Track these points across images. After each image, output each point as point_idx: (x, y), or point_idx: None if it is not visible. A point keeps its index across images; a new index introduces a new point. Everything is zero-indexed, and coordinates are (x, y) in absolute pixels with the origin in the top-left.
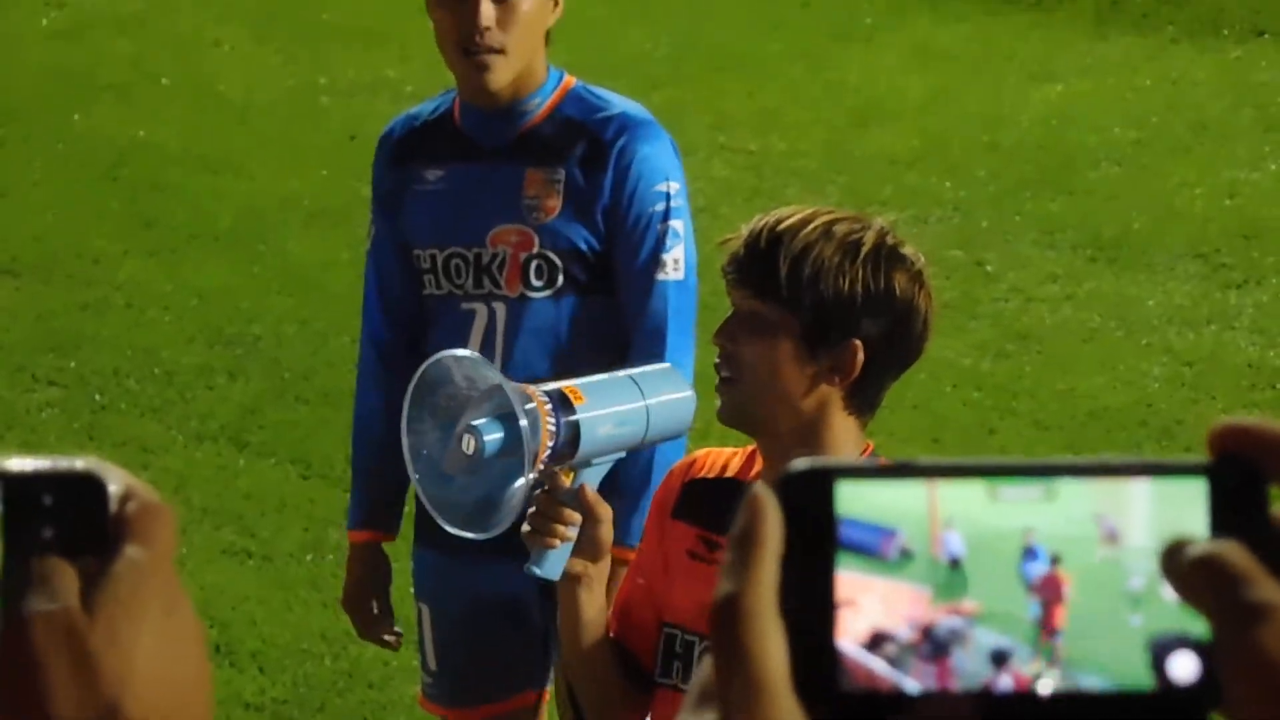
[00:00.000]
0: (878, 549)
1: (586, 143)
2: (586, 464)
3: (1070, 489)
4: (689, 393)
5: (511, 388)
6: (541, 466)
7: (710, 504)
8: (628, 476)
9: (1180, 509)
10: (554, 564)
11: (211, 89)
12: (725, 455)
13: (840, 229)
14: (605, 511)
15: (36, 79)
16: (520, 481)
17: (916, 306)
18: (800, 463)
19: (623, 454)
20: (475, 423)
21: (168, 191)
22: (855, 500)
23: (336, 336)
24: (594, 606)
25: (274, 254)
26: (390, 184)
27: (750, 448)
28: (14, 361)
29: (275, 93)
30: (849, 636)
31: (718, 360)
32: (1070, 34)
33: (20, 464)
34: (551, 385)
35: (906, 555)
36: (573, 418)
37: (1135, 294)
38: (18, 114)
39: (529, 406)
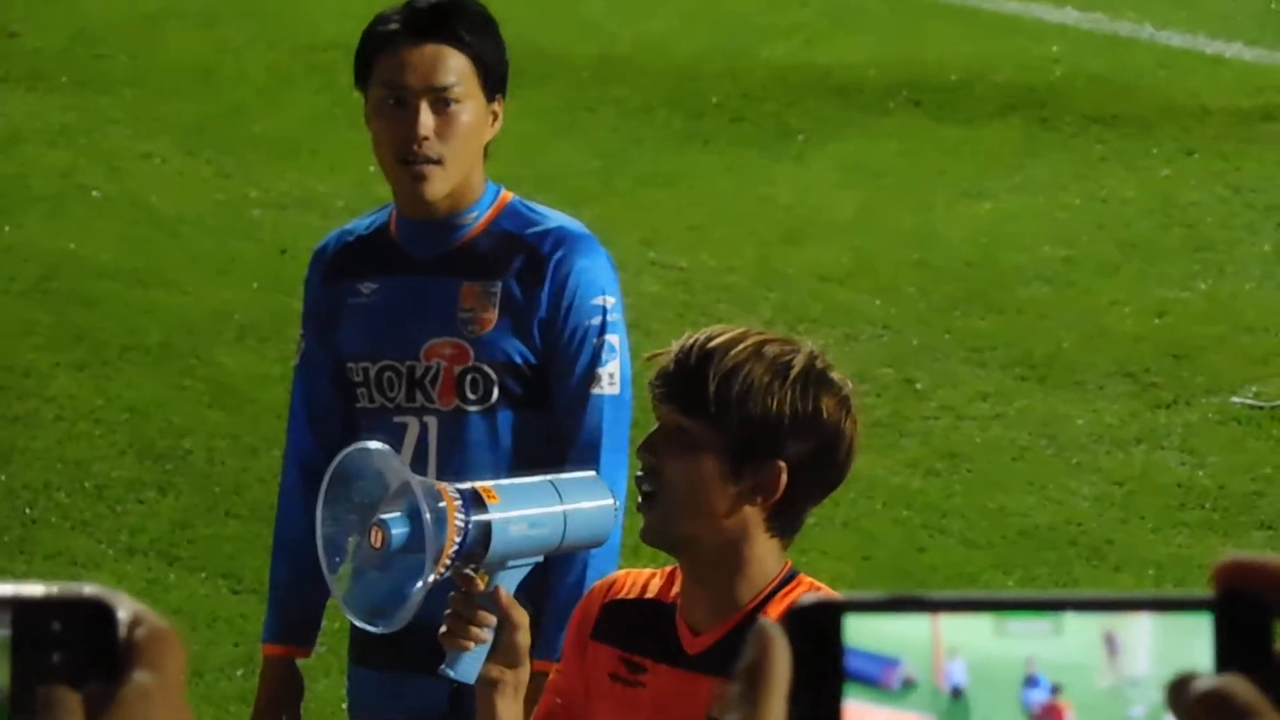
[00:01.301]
0: (880, 678)
1: (524, 256)
2: (502, 566)
3: (1077, 623)
4: (610, 501)
5: (419, 483)
6: (448, 563)
7: (631, 625)
8: (559, 590)
9: (1186, 643)
10: (468, 666)
11: (142, 201)
12: (645, 575)
13: (771, 350)
14: (521, 616)
15: None
16: (422, 578)
17: (842, 431)
18: (809, 597)
19: (539, 558)
20: (384, 516)
21: (98, 304)
22: (861, 631)
23: (268, 451)
24: (511, 715)
25: (205, 368)
26: (322, 300)
27: (670, 568)
28: None
29: (206, 205)
30: None
31: (640, 474)
32: (1000, 152)
33: (29, 590)
34: (467, 484)
35: (909, 684)
36: (484, 517)
37: (1065, 413)
38: None
39: (440, 505)
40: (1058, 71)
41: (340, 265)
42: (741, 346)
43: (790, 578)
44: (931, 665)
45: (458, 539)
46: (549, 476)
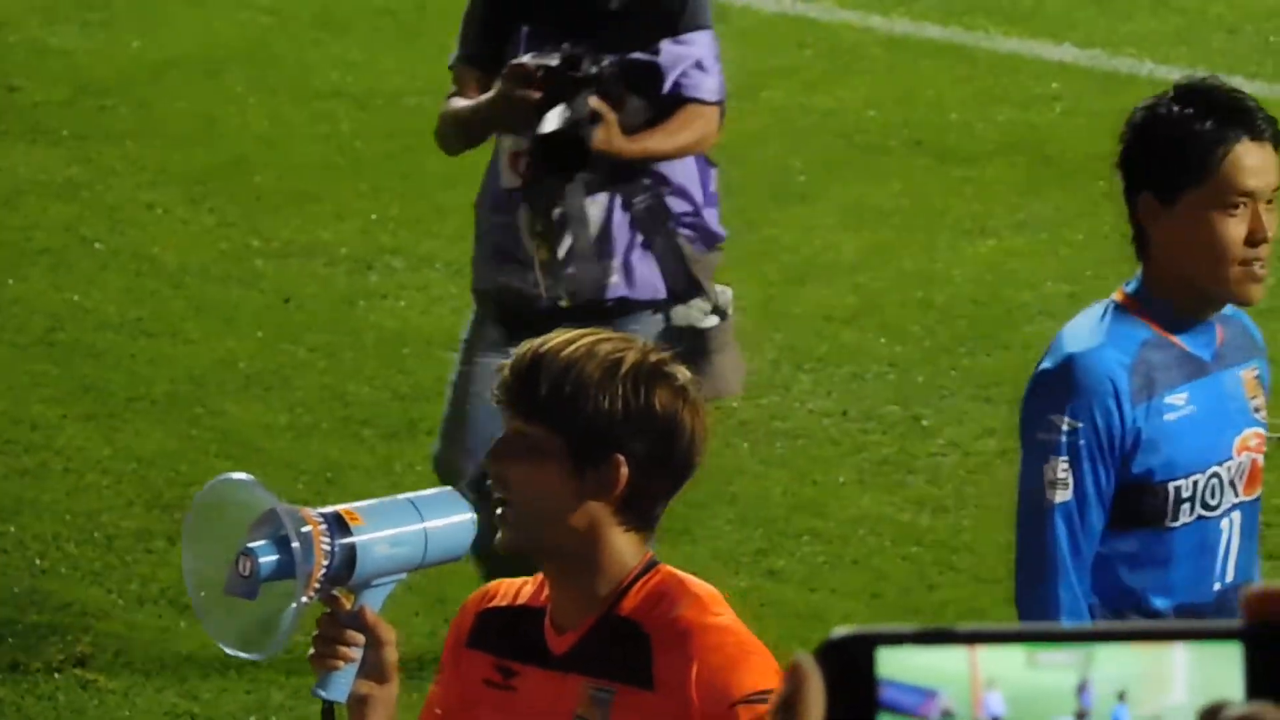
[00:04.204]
0: (918, 710)
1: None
2: (367, 585)
3: (1108, 653)
4: (469, 516)
5: (285, 511)
6: (317, 587)
7: (503, 632)
8: None
9: (1216, 671)
10: (339, 686)
11: (146, 253)
12: (518, 584)
13: (603, 349)
14: (388, 633)
15: None
16: (294, 604)
17: (680, 422)
18: (841, 630)
19: (403, 575)
20: (251, 545)
21: (104, 356)
22: (895, 664)
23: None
24: None
25: (212, 417)
26: (1128, 420)
27: (541, 575)
28: None
29: (209, 255)
30: None
31: (489, 484)
32: (1002, 190)
33: None
34: (329, 508)
35: (948, 716)
36: (348, 540)
37: None
38: None
39: (304, 530)
40: (1058, 109)
41: (1148, 380)
42: (574, 347)
43: (649, 568)
44: (970, 697)
45: (325, 563)
46: (408, 495)
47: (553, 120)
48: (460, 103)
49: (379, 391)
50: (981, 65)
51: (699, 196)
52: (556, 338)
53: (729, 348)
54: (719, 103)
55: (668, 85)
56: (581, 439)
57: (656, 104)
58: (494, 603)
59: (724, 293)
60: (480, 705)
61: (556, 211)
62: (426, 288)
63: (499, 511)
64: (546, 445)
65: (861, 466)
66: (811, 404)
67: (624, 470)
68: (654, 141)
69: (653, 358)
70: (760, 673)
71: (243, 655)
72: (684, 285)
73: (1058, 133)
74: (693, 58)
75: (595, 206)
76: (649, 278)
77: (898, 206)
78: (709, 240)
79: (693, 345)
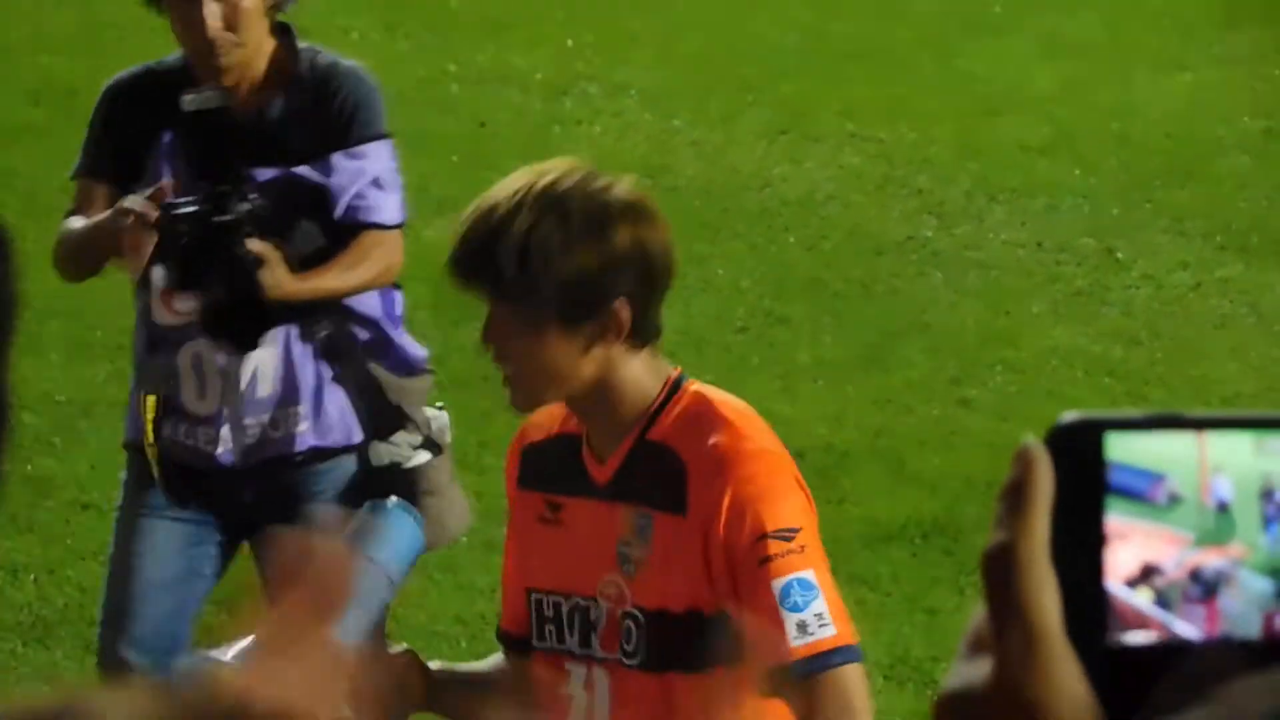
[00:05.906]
0: (1146, 493)
1: None
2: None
3: None
4: (411, 526)
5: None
6: None
7: (547, 466)
8: None
9: None
10: None
11: None
12: (553, 411)
13: (546, 200)
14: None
15: None
16: None
17: (650, 243)
18: (1070, 415)
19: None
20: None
21: None
22: (1124, 449)
23: (469, 324)
24: None
25: (407, 241)
26: None
27: None
28: None
29: (406, 81)
30: (1117, 574)
31: (492, 359)
32: (1200, 24)
33: None
34: None
35: (1175, 500)
36: None
37: (1265, 281)
38: None
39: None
40: None
41: None
42: (521, 217)
43: (676, 386)
44: (1198, 482)
45: None
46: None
47: (217, 285)
48: (77, 222)
49: None
50: None
51: (385, 323)
52: (489, 201)
53: (446, 488)
54: (399, 225)
55: (341, 209)
56: (568, 303)
57: (330, 229)
58: (532, 438)
59: (436, 418)
60: (536, 542)
61: (226, 354)
62: (621, 114)
63: (506, 378)
64: (535, 318)
65: (1055, 298)
66: (1005, 235)
67: (625, 312)
68: (330, 280)
69: (593, 188)
70: (792, 509)
71: None
72: (385, 419)
73: None
74: (368, 175)
75: (269, 345)
76: (341, 419)
77: (1094, 39)
78: (407, 366)
79: (399, 488)
